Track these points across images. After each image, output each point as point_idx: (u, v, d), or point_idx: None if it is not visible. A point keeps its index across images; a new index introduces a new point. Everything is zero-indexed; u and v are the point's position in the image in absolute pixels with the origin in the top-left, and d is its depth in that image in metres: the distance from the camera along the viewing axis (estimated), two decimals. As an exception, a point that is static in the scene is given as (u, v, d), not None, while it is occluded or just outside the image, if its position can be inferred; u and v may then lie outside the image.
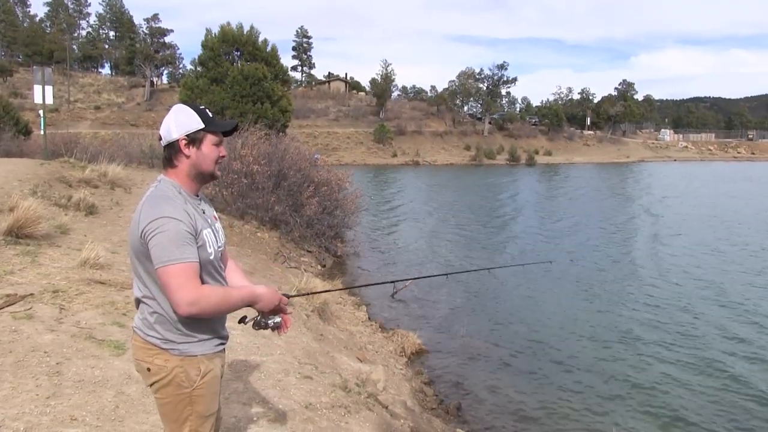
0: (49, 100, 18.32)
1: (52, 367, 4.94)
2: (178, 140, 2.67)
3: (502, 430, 7.83)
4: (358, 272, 16.10)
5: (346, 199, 17.52)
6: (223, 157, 2.80)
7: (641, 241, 21.68)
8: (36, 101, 18.66)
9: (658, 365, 10.01)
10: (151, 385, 2.69)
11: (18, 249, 8.24)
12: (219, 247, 2.78)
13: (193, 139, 2.68)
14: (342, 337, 9.17)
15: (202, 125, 2.68)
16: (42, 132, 19.80)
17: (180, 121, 2.67)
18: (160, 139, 2.72)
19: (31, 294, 6.50)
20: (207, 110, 2.75)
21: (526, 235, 23.06)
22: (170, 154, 2.70)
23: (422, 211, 29.83)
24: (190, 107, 2.72)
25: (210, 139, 2.72)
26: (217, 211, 3.01)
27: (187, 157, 2.69)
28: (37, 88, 18.10)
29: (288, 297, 2.89)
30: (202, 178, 2.77)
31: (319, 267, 15.09)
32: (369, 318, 11.64)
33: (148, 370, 2.65)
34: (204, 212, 2.74)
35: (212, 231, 2.74)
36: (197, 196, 2.78)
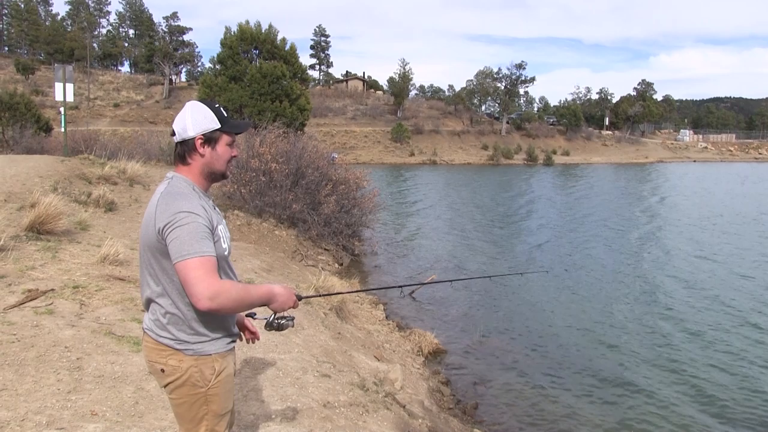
0: (70, 98, 18.47)
1: (72, 362, 4.97)
2: (194, 138, 2.65)
3: (519, 431, 7.79)
4: (375, 271, 16.09)
5: (363, 198, 17.50)
6: (234, 156, 2.80)
7: (653, 244, 21.47)
8: (57, 99, 18.82)
9: (673, 368, 9.92)
10: (165, 386, 2.67)
11: (39, 245, 8.32)
12: (230, 244, 2.79)
13: (209, 139, 2.67)
14: (359, 336, 9.16)
15: (218, 125, 2.67)
16: (62, 129, 19.98)
17: (197, 119, 2.65)
18: (173, 134, 2.69)
19: (52, 289, 6.56)
20: (222, 108, 2.73)
21: (538, 235, 22.94)
22: (184, 151, 2.69)
23: (439, 210, 29.79)
24: (207, 105, 2.70)
25: (225, 139, 2.71)
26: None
27: (202, 156, 2.68)
28: (58, 86, 18.26)
29: (300, 298, 2.86)
30: (214, 177, 2.76)
31: (337, 265, 15.09)
32: (386, 317, 11.63)
33: (162, 371, 2.63)
34: (215, 208, 2.74)
35: (224, 227, 2.74)
36: (207, 193, 2.77)
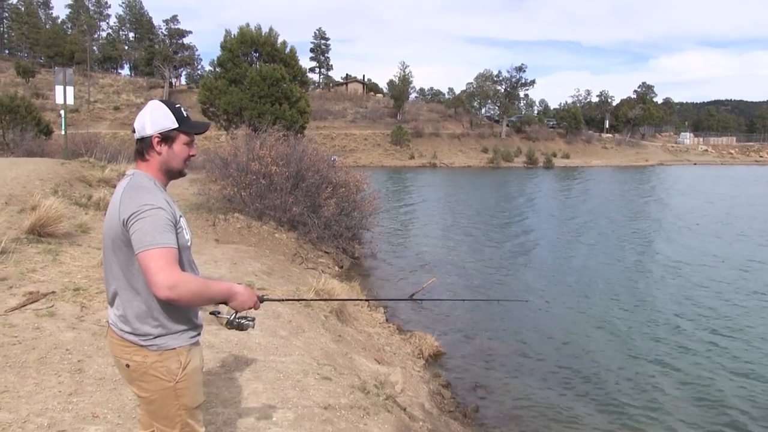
0: (70, 101, 18.53)
1: (73, 364, 4.98)
2: (151, 137, 2.70)
3: (520, 434, 7.79)
4: (375, 274, 16.09)
5: (363, 201, 17.49)
6: (192, 155, 2.85)
7: (654, 250, 21.49)
8: (57, 101, 18.90)
9: (676, 373, 9.90)
10: (132, 382, 2.71)
11: (40, 247, 8.33)
12: (191, 236, 2.85)
13: (166, 138, 2.72)
14: (360, 339, 9.15)
15: (176, 125, 2.72)
16: (63, 132, 20.02)
17: (155, 118, 2.70)
18: (134, 131, 2.75)
19: (53, 292, 6.56)
20: (182, 109, 2.80)
21: (537, 241, 22.97)
22: (142, 148, 2.74)
23: (439, 214, 29.85)
24: (166, 105, 2.76)
25: (182, 138, 2.76)
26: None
27: (159, 153, 2.73)
28: (59, 89, 18.33)
29: (262, 300, 2.90)
30: (171, 175, 2.81)
31: (337, 268, 15.09)
32: (387, 320, 11.61)
33: (128, 366, 2.67)
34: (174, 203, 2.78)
35: (185, 220, 2.79)
36: (165, 188, 2.82)
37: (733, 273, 16.94)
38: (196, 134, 2.84)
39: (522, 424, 8.01)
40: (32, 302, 6.14)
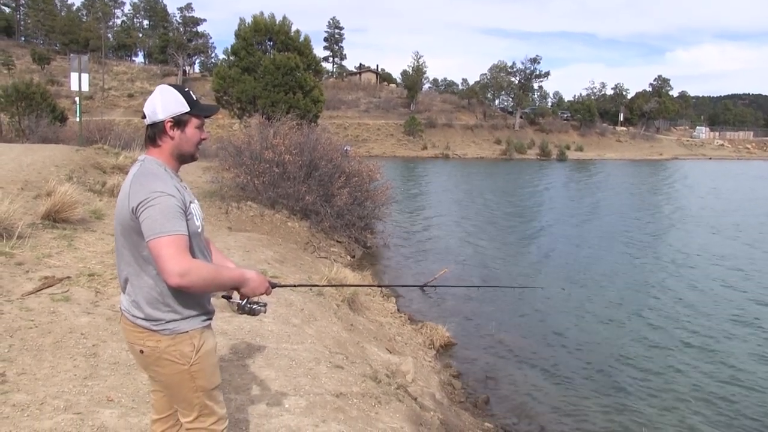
0: (85, 88, 18.60)
1: (88, 348, 5.03)
2: (163, 121, 2.70)
3: (530, 426, 7.78)
4: (387, 264, 16.10)
5: (376, 191, 17.48)
6: (204, 139, 2.84)
7: (668, 239, 21.38)
8: (72, 88, 18.97)
9: (687, 372, 9.85)
10: (147, 367, 2.73)
11: (55, 233, 8.40)
12: (203, 222, 2.84)
13: (178, 122, 2.72)
14: (371, 328, 9.17)
15: (187, 108, 2.72)
16: (77, 119, 20.09)
17: (166, 102, 2.70)
18: (144, 117, 2.75)
19: (68, 277, 6.62)
20: (191, 92, 2.79)
21: (549, 234, 22.89)
22: (154, 133, 2.73)
23: (451, 205, 29.80)
24: (176, 89, 2.75)
25: (194, 122, 2.76)
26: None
27: (171, 138, 2.72)
28: (74, 76, 18.39)
29: (274, 286, 2.90)
30: (183, 159, 2.81)
31: (349, 258, 15.11)
32: (398, 309, 11.63)
33: (141, 352, 2.68)
34: (186, 189, 2.77)
35: (197, 206, 2.79)
36: (177, 174, 2.82)
37: (755, 271, 16.81)
38: (206, 117, 2.84)
39: (532, 416, 8.01)
40: (48, 287, 6.20)
